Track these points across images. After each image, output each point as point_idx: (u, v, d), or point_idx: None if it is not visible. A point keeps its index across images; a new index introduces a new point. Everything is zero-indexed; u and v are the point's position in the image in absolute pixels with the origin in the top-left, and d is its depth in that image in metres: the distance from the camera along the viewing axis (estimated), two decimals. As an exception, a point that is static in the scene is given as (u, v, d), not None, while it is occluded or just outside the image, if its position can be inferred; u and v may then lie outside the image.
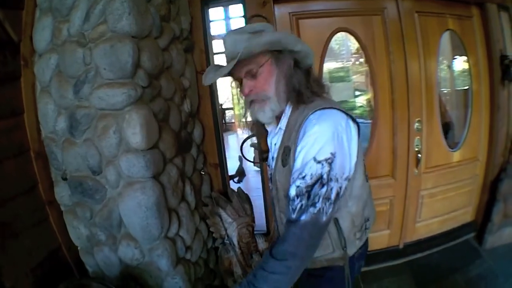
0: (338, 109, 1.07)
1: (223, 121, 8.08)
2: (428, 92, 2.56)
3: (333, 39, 2.36)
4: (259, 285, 1.00)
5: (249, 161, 2.78)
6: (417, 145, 2.59)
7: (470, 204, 2.99)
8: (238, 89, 1.19)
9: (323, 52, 2.33)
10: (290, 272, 1.02)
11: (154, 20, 1.58)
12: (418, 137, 2.57)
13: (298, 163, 1.04)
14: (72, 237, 1.79)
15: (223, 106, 8.28)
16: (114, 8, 1.36)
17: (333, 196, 1.03)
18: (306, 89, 1.10)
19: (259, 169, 2.95)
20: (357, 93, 2.90)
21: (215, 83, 2.37)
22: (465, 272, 2.55)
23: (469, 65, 2.74)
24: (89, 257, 1.81)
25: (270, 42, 1.03)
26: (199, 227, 2.07)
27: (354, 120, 1.12)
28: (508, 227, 2.84)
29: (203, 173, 2.18)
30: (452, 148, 2.80)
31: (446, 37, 2.84)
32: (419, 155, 2.59)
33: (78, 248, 1.84)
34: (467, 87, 2.93)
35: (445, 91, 3.24)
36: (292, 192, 1.02)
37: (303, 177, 1.01)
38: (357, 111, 3.01)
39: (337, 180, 1.04)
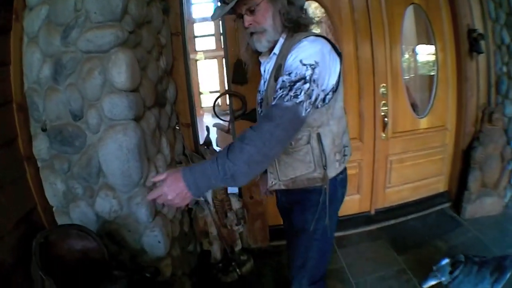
0: (326, 39, 1.35)
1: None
2: (393, 59, 2.92)
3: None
4: (234, 154, 1.10)
5: (221, 119, 3.06)
6: (383, 109, 2.92)
7: (441, 174, 3.35)
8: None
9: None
10: (263, 150, 1.12)
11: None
12: (384, 101, 2.91)
13: (287, 64, 1.28)
14: (48, 196, 1.90)
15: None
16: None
17: (313, 97, 1.24)
18: (303, 20, 1.41)
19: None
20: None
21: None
22: (446, 239, 2.81)
23: (434, 38, 3.11)
24: (64, 217, 1.90)
25: None
26: None
27: (337, 51, 1.39)
28: (489, 197, 3.16)
29: (178, 127, 2.43)
30: (419, 115, 3.16)
31: (411, 21, 3.29)
32: (386, 119, 2.93)
33: (54, 208, 1.94)
34: (432, 74, 3.32)
35: (408, 77, 3.66)
36: (279, 84, 1.23)
37: (289, 74, 1.22)
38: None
39: (317, 86, 1.25)
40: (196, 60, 8.21)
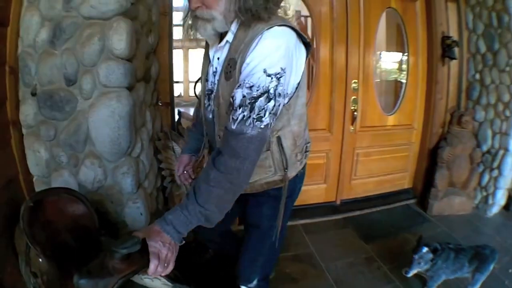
0: (291, 27, 1.23)
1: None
2: (366, 57, 3.31)
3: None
4: (202, 198, 1.11)
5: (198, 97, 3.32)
6: (353, 104, 3.30)
7: (406, 170, 3.78)
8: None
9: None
10: (232, 189, 1.15)
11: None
12: (355, 96, 3.30)
13: (246, 72, 1.16)
14: (29, 165, 2.00)
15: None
16: None
17: (278, 112, 1.20)
18: (263, 10, 1.19)
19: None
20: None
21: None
22: (414, 232, 3.10)
23: (407, 41, 3.52)
24: (45, 187, 1.98)
25: None
26: (152, 162, 2.48)
27: (304, 40, 1.30)
28: (458, 196, 3.56)
29: (160, 103, 2.68)
30: (387, 112, 3.55)
31: (385, 24, 3.68)
32: (355, 113, 3.30)
33: (34, 178, 2.04)
34: (402, 78, 3.76)
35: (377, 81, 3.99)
36: (237, 100, 1.14)
37: (250, 87, 1.13)
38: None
39: (283, 97, 1.20)
40: (188, 48, 8.24)
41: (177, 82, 9.53)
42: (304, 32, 1.99)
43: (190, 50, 8.28)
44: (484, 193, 3.68)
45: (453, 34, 3.52)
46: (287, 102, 1.31)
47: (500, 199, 3.60)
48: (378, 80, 4.15)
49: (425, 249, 2.24)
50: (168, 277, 1.32)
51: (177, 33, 2.77)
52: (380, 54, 4.17)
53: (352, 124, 3.39)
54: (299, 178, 1.59)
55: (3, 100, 1.89)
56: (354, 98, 3.34)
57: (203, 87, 1.54)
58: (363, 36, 3.29)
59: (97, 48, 1.83)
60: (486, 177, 3.64)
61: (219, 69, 1.37)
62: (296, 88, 1.33)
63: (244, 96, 1.13)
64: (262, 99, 1.12)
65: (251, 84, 1.13)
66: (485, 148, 3.64)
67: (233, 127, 1.13)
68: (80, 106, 1.92)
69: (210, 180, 1.11)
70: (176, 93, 3.11)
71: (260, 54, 1.16)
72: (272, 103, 1.14)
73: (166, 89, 2.86)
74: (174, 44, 2.86)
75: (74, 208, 1.72)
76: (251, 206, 1.64)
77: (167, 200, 2.77)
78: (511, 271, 2.69)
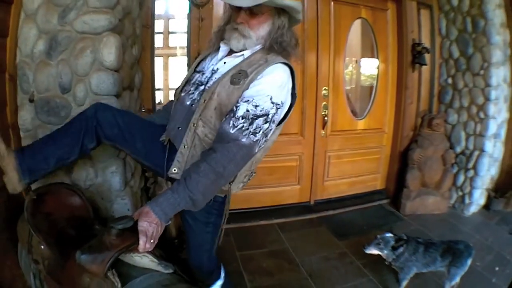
0: (289, 65, 1.58)
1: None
2: (336, 65, 3.74)
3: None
4: (192, 185, 1.33)
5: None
6: (324, 109, 3.72)
7: (378, 172, 4.21)
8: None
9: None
10: (217, 182, 1.38)
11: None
12: (325, 102, 3.72)
13: (254, 89, 1.45)
14: None
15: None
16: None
17: (268, 135, 1.47)
18: (290, 48, 1.60)
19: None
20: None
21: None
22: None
23: (377, 50, 3.96)
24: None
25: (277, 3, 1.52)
26: (136, 164, 2.75)
27: (294, 91, 1.62)
28: (431, 196, 3.93)
29: (143, 110, 3.04)
30: (357, 117, 3.98)
31: (357, 34, 4.12)
32: (326, 118, 3.73)
33: None
34: (374, 85, 4.14)
35: (349, 88, 4.51)
36: (241, 112, 1.40)
37: (255, 106, 1.40)
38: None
39: (275, 124, 1.48)
40: (168, 56, 8.53)
41: (158, 89, 9.84)
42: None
43: (170, 57, 8.58)
44: (460, 193, 4.05)
45: (425, 40, 3.95)
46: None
47: (479, 198, 3.96)
48: (354, 86, 4.65)
49: (388, 234, 2.54)
50: (155, 255, 1.59)
51: (158, 41, 3.13)
52: (359, 61, 4.66)
53: (323, 128, 3.81)
54: (228, 201, 1.74)
55: (3, 105, 2.14)
56: (325, 104, 3.77)
57: (190, 75, 1.80)
58: (333, 45, 3.72)
59: (89, 60, 2.18)
60: (462, 178, 4.03)
61: (221, 70, 1.63)
62: (278, 125, 1.59)
63: (248, 111, 1.40)
64: (261, 119, 1.40)
65: (257, 104, 1.41)
66: (458, 149, 4.04)
67: (232, 131, 1.39)
68: (74, 112, 2.18)
69: (200, 172, 1.35)
70: (157, 100, 3.48)
71: (271, 81, 1.48)
72: (267, 125, 1.42)
73: (148, 96, 3.24)
74: (156, 51, 3.25)
75: (72, 201, 1.97)
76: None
77: (150, 200, 3.10)
78: (498, 269, 2.95)
